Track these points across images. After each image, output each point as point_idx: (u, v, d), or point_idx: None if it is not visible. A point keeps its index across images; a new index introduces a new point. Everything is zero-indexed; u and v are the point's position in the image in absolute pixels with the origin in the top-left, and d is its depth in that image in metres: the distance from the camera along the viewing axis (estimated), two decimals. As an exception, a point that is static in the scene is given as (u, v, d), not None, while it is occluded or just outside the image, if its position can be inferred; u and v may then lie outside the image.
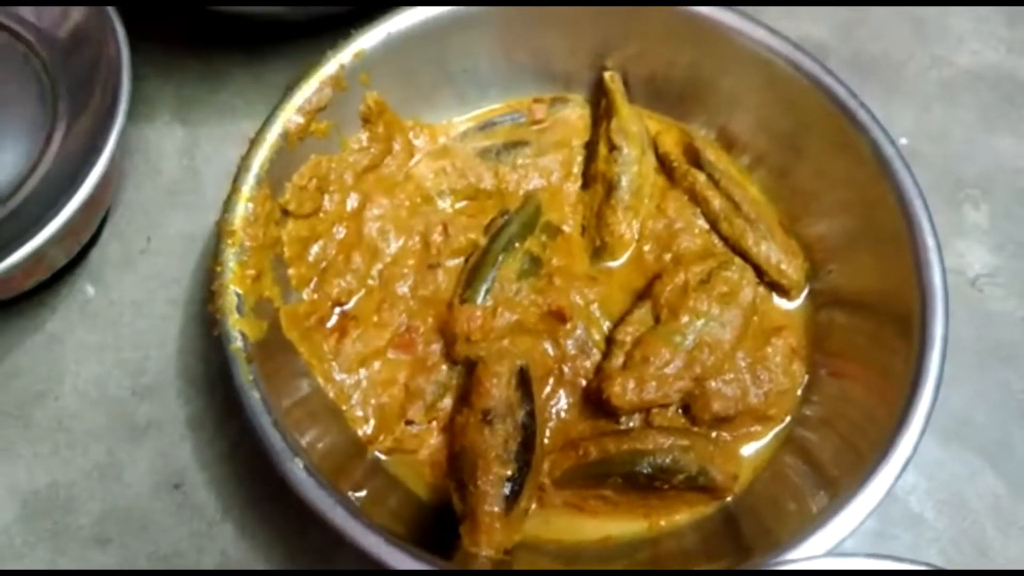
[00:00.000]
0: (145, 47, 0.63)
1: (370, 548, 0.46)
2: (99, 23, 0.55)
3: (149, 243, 0.65)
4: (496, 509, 0.51)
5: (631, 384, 0.55)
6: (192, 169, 0.67)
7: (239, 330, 0.51)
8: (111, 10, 0.55)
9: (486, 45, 0.64)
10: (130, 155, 0.67)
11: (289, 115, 0.57)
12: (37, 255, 0.52)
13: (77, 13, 0.56)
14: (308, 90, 0.58)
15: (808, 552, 0.47)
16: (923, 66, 0.74)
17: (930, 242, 0.54)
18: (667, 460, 0.53)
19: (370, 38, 0.59)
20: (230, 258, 0.52)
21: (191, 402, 0.60)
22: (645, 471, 0.53)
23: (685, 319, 0.57)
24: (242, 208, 0.54)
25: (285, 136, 0.56)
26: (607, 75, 0.65)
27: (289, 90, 0.57)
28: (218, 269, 0.52)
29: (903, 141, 0.69)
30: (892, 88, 0.73)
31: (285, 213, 0.57)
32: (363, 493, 0.52)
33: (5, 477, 0.58)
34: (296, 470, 0.47)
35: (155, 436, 0.59)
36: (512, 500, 0.51)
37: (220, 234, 0.53)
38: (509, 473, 0.52)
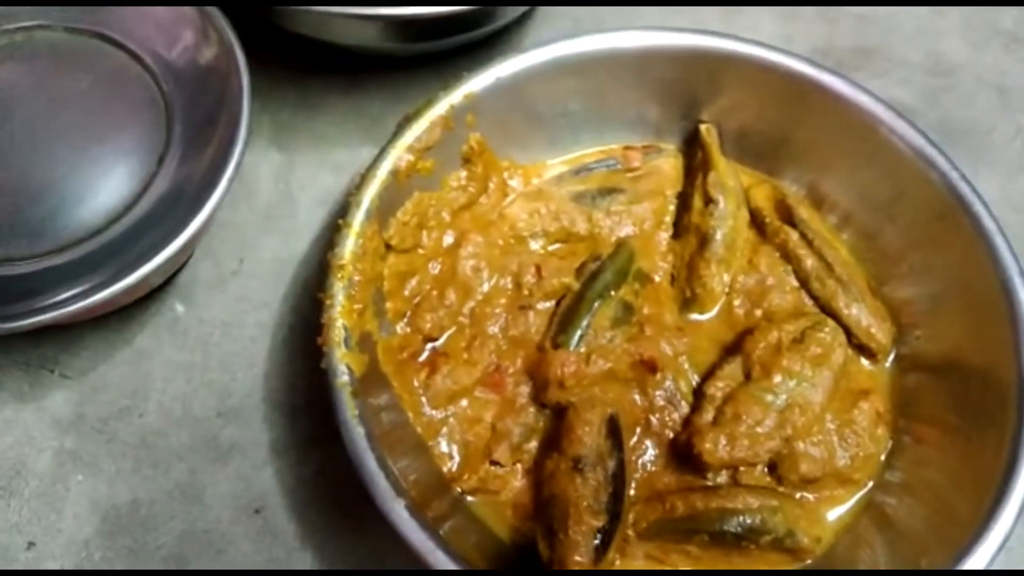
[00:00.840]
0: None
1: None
2: (226, 60, 0.55)
3: (241, 265, 0.65)
4: (586, 560, 0.51)
5: (723, 441, 0.55)
6: (287, 194, 0.68)
7: (346, 364, 0.51)
8: (238, 48, 0.56)
9: (581, 91, 0.65)
10: (224, 176, 0.68)
11: (400, 152, 0.57)
12: (143, 280, 0.53)
13: (207, 50, 0.56)
14: (419, 128, 0.58)
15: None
16: (1008, 136, 0.75)
17: (1030, 318, 0.54)
18: (756, 520, 0.53)
19: (480, 80, 0.60)
20: (339, 291, 0.53)
21: (275, 427, 0.60)
22: (734, 530, 0.53)
23: (778, 379, 0.57)
24: (352, 243, 0.54)
25: (395, 173, 0.57)
26: (703, 128, 0.65)
27: (400, 128, 0.58)
28: (328, 302, 0.52)
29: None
30: (977, 157, 0.73)
31: (387, 248, 0.58)
32: (445, 529, 0.52)
33: (87, 491, 0.58)
34: (399, 510, 0.47)
35: (238, 459, 0.59)
36: (601, 551, 0.51)
37: (330, 267, 0.53)
38: (599, 524, 0.51)
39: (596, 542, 0.51)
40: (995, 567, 0.57)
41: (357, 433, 0.49)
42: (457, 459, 0.57)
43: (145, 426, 0.60)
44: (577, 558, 0.51)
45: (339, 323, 0.52)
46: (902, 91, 0.75)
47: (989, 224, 0.57)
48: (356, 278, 0.53)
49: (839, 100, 0.61)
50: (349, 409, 0.50)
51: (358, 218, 0.55)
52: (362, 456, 0.48)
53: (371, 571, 0.56)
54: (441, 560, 0.46)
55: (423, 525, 0.47)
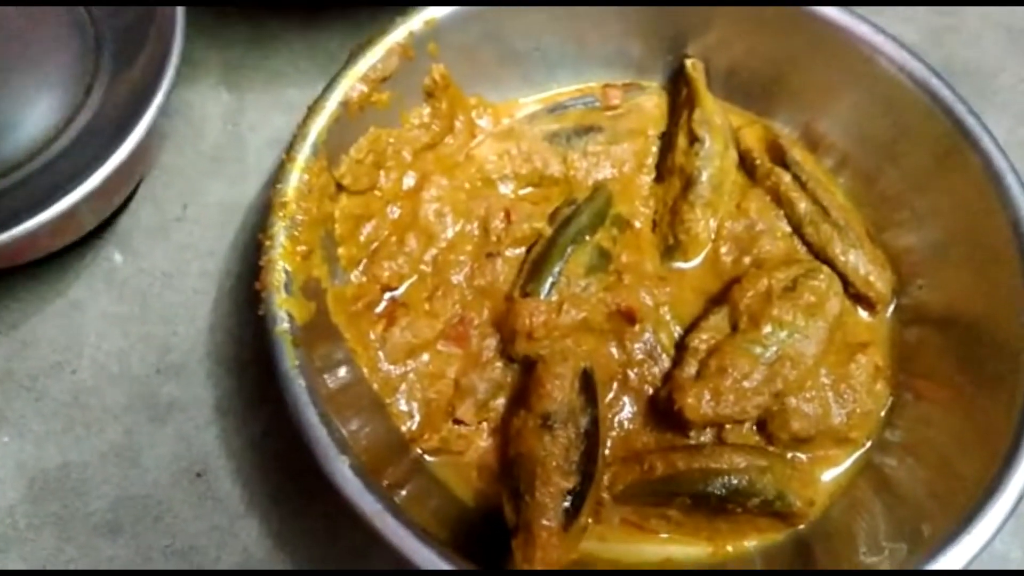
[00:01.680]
0: (194, 7, 0.59)
1: (422, 563, 0.41)
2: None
3: (185, 211, 0.60)
4: (554, 524, 0.46)
5: (707, 396, 0.50)
6: (236, 136, 0.63)
7: (286, 311, 0.46)
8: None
9: (556, 24, 0.60)
10: (171, 117, 0.63)
11: (352, 82, 0.52)
12: (67, 215, 0.48)
13: None
14: (373, 57, 0.53)
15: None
16: (1017, 77, 0.70)
17: (1043, 263, 0.49)
18: (743, 482, 0.49)
19: (442, 7, 0.55)
20: (280, 232, 0.48)
21: (219, 384, 0.56)
22: (718, 492, 0.49)
23: (767, 329, 0.52)
24: (296, 178, 0.49)
25: (345, 105, 0.52)
26: (689, 63, 0.60)
27: (353, 56, 0.53)
28: (267, 243, 0.47)
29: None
30: (984, 99, 0.68)
31: (340, 188, 0.53)
32: (403, 492, 0.47)
33: (13, 453, 0.54)
34: (343, 469, 0.43)
35: (178, 419, 0.55)
36: (572, 515, 0.47)
37: (271, 205, 0.48)
38: (570, 485, 0.47)
39: (566, 505, 0.47)
40: (1009, 533, 0.54)
41: (298, 386, 0.44)
42: (417, 418, 0.53)
43: (78, 383, 0.55)
44: (544, 522, 0.46)
45: (279, 266, 0.47)
46: (905, 29, 0.69)
47: (1000, 162, 0.52)
48: (300, 217, 0.48)
49: (837, 31, 0.56)
50: (289, 360, 0.45)
51: (303, 152, 0.50)
52: (303, 411, 0.44)
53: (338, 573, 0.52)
54: (390, 525, 0.42)
55: (370, 486, 0.43)
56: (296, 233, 0.48)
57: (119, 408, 0.55)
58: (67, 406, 0.55)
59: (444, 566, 0.42)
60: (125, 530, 0.52)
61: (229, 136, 0.63)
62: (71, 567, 0.51)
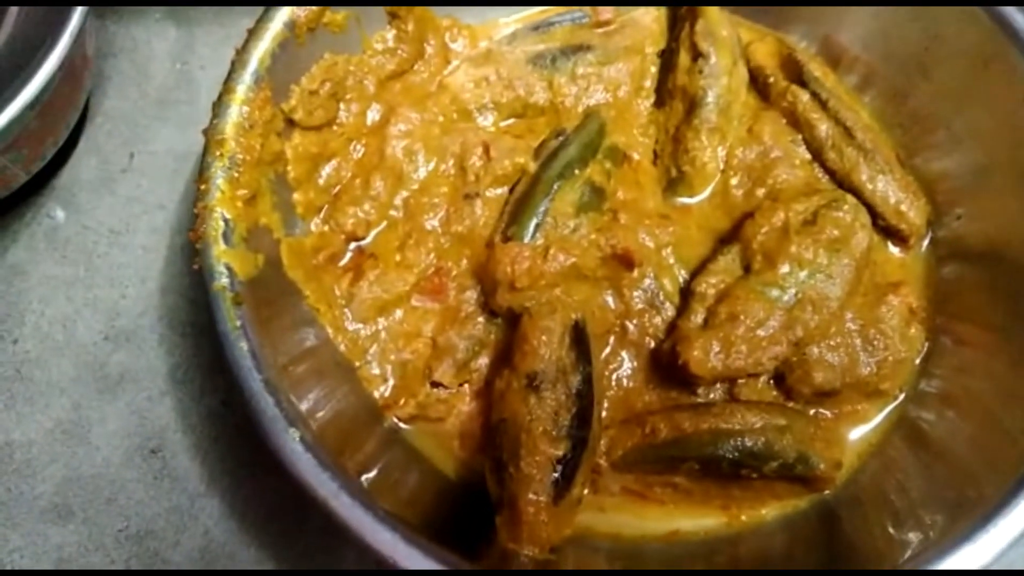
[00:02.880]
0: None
1: (381, 546, 0.36)
2: None
3: (132, 161, 0.55)
4: (542, 498, 0.41)
5: (715, 347, 0.45)
6: (186, 75, 0.57)
7: (225, 264, 0.41)
8: None
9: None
10: (114, 56, 0.57)
11: (297, -1, 0.46)
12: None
13: None
14: (323, -30, 0.46)
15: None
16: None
17: (1106, 181, 0.43)
18: (758, 443, 0.44)
19: (401, -91, 0.48)
20: (218, 174, 0.42)
21: (174, 351, 0.51)
22: (730, 456, 0.44)
23: (785, 269, 0.46)
24: (235, 112, 0.43)
25: (292, 26, 0.46)
26: (690, -32, 0.53)
27: (299, -31, 0.46)
28: (202, 187, 0.42)
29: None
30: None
31: (290, 123, 0.47)
32: (376, 470, 0.43)
33: (-48, 433, 0.49)
34: (291, 444, 0.38)
35: (130, 390, 0.50)
36: (563, 486, 0.42)
37: (207, 144, 0.43)
38: (560, 453, 0.42)
39: (555, 475, 0.42)
40: None
41: (238, 349, 0.39)
42: (391, 382, 0.48)
43: (20, 354, 0.51)
44: (531, 496, 0.41)
45: (218, 213, 0.41)
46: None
47: (1053, 65, 0.45)
48: (240, 156, 0.42)
49: (858, -79, 0.49)
50: (228, 320, 0.39)
51: (243, 82, 0.44)
52: (244, 378, 0.38)
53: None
54: (345, 504, 0.36)
55: (324, 463, 0.37)
56: (236, 175, 0.42)
57: (65, 380, 0.50)
58: (8, 380, 0.50)
59: (410, 551, 0.36)
60: (75, 514, 0.48)
61: (178, 76, 0.57)
62: (16, 557, 0.46)
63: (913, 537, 0.41)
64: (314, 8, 0.46)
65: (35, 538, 0.47)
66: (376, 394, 0.47)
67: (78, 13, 0.42)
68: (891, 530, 0.43)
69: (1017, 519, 0.38)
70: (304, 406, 0.40)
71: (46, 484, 0.48)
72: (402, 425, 0.47)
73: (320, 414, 0.42)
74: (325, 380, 0.45)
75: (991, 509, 0.38)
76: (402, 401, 0.47)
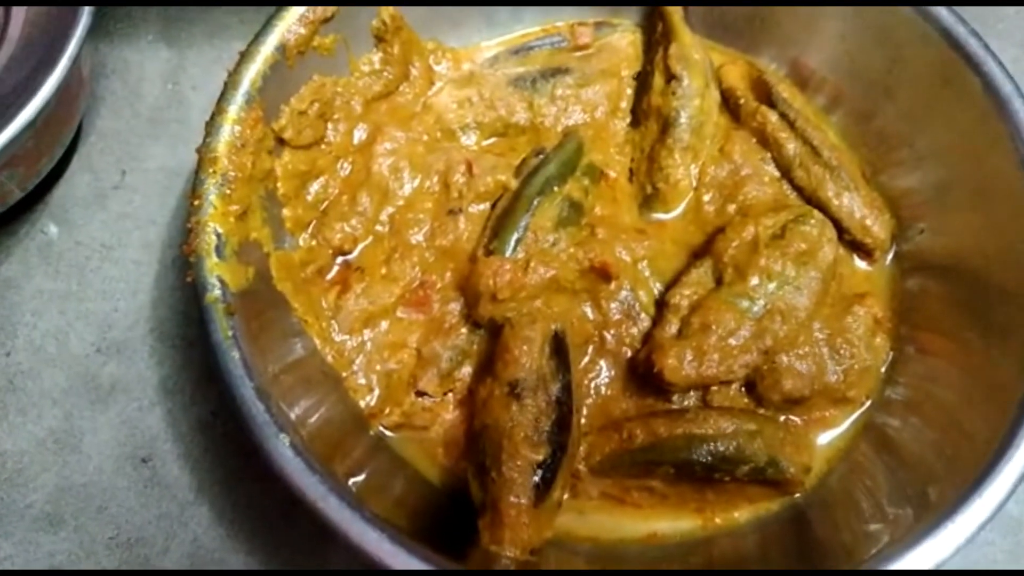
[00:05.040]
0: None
1: (369, 547, 0.37)
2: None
3: (124, 178, 0.56)
4: (523, 501, 0.42)
5: (688, 356, 0.46)
6: (177, 95, 0.59)
7: (217, 276, 0.42)
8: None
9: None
10: (107, 77, 0.59)
11: (288, 24, 0.48)
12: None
13: None
14: (312, -4, 0.48)
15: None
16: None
17: (1058, 196, 0.45)
18: (730, 447, 0.45)
19: (389, -59, 0.50)
20: (210, 190, 0.44)
21: (165, 362, 0.52)
22: (703, 460, 0.45)
23: (754, 281, 0.48)
24: (227, 132, 0.45)
25: (282, 49, 0.48)
26: (664, -5, 0.55)
27: (290, -4, 0.48)
28: (195, 203, 0.43)
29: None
30: (986, 27, 0.61)
31: (280, 142, 0.49)
32: (363, 476, 0.44)
33: (-55, 444, 0.50)
34: (282, 448, 0.39)
35: (121, 401, 0.51)
36: (543, 490, 0.43)
37: (200, 161, 0.44)
38: (540, 457, 0.43)
39: (536, 480, 0.43)
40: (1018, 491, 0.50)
41: (231, 358, 0.40)
42: (377, 391, 0.49)
43: (13, 366, 0.52)
44: (512, 499, 0.42)
45: (210, 227, 0.43)
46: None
47: (1005, 86, 0.48)
48: (232, 174, 0.44)
49: (822, -48, 0.51)
50: (221, 330, 0.41)
51: (235, 102, 0.45)
52: (237, 385, 0.40)
53: None
54: (333, 506, 0.38)
55: (313, 467, 0.39)
56: (228, 191, 0.44)
57: (58, 391, 0.51)
58: (1, 391, 0.51)
59: (395, 550, 0.37)
60: (66, 522, 0.49)
61: (170, 96, 0.58)
62: (7, 564, 0.47)
63: (879, 535, 0.43)
64: (303, 32, 0.48)
65: (27, 546, 0.48)
66: (362, 403, 0.48)
67: (75, 39, 0.43)
68: (858, 529, 0.44)
69: (976, 514, 0.39)
70: (293, 414, 0.42)
71: (38, 493, 0.49)
72: (388, 433, 0.48)
73: (309, 422, 0.43)
74: (313, 390, 0.46)
75: (952, 506, 0.40)
76: (388, 410, 0.48)
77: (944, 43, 0.49)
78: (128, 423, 0.50)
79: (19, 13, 0.47)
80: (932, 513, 0.40)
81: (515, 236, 0.49)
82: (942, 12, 0.49)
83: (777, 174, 0.53)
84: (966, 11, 0.62)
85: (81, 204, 0.55)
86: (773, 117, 0.53)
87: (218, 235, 0.43)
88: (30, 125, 0.43)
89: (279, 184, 0.48)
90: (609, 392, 0.49)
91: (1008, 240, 0.47)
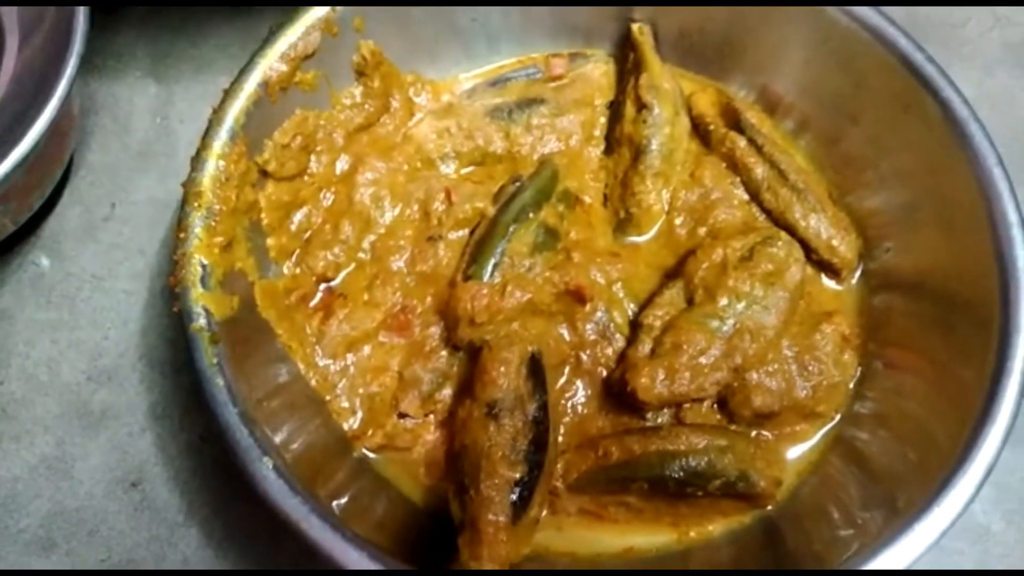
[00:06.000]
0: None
1: (349, 565, 0.38)
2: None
3: (113, 210, 0.58)
4: (501, 518, 0.43)
5: (660, 375, 0.48)
6: (165, 129, 0.60)
7: (203, 306, 0.44)
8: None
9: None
10: (96, 113, 0.60)
11: (271, 62, 0.50)
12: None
13: None
14: (293, 35, 0.51)
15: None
16: (985, 27, 0.67)
17: (1012, 216, 0.47)
18: (702, 463, 0.47)
19: (368, -20, 0.52)
20: (196, 223, 0.45)
21: (154, 389, 0.53)
22: (676, 475, 0.46)
23: (723, 301, 0.49)
24: (212, 166, 0.47)
25: (265, 86, 0.49)
26: (635, 27, 0.58)
27: (272, 34, 0.50)
28: (181, 235, 0.45)
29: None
30: (951, 51, 0.65)
31: (264, 175, 0.50)
32: (346, 498, 0.45)
33: (-60, 471, 0.51)
34: (265, 472, 0.40)
35: (112, 427, 0.53)
36: (520, 507, 0.44)
37: (186, 195, 0.46)
38: (517, 476, 0.44)
39: (513, 497, 0.44)
40: (990, 503, 0.51)
41: (215, 385, 0.42)
42: (360, 414, 0.50)
43: (6, 394, 0.53)
44: (490, 516, 0.43)
45: (196, 259, 0.44)
46: (864, -19, 0.67)
47: (961, 110, 0.49)
48: (217, 207, 0.46)
49: (784, -17, 0.53)
50: (206, 358, 0.42)
51: (220, 138, 0.47)
52: (221, 411, 0.41)
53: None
54: (315, 526, 0.39)
55: (295, 489, 0.40)
56: (213, 223, 0.45)
57: (50, 418, 0.53)
58: (-6, 419, 0.52)
59: (376, 567, 0.39)
60: (59, 546, 0.50)
61: (158, 130, 0.60)
62: (1, 588, 0.48)
63: (849, 542, 0.44)
64: (285, 69, 0.49)
65: (20, 569, 0.49)
66: (346, 426, 0.49)
67: (66, 78, 0.45)
68: (829, 538, 0.46)
69: (941, 517, 0.41)
70: (278, 438, 0.43)
71: (31, 518, 0.50)
72: (371, 455, 0.50)
73: (293, 446, 0.44)
74: (297, 413, 0.48)
75: (918, 511, 0.41)
76: (370, 432, 0.49)
77: (904, 69, 0.51)
78: (118, 448, 0.52)
79: (11, 52, 0.49)
80: (900, 517, 0.42)
81: (493, 261, 0.51)
82: (901, 39, 0.51)
83: (746, 197, 0.55)
84: (933, 34, 0.65)
85: (72, 236, 0.57)
86: (742, 142, 0.55)
87: (203, 266, 0.44)
88: (22, 163, 0.44)
89: (263, 215, 0.50)
90: (585, 411, 0.50)
91: (967, 258, 0.48)
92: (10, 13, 0.50)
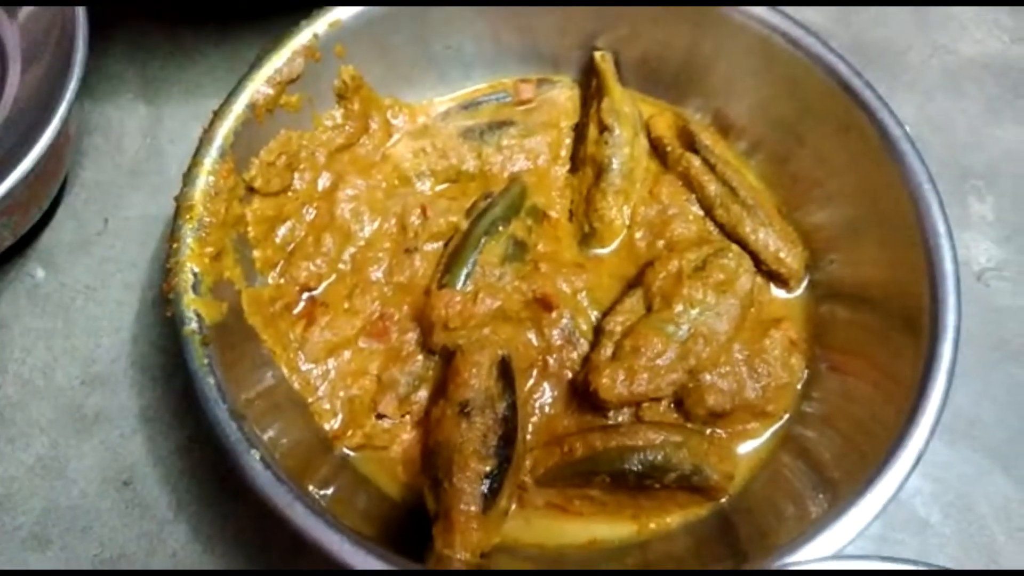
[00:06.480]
0: (111, 22, 0.60)
1: (331, 548, 0.41)
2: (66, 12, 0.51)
3: (106, 225, 0.61)
4: (472, 508, 0.46)
5: (620, 376, 0.51)
6: (155, 148, 0.64)
7: (194, 310, 0.47)
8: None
9: (470, 22, 0.61)
10: (90, 133, 0.63)
11: (258, 85, 0.53)
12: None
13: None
14: (279, 60, 0.54)
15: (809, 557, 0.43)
16: (925, 54, 0.72)
17: (940, 228, 0.51)
18: (658, 457, 0.50)
19: (347, 8, 0.56)
20: (187, 234, 0.48)
21: (144, 393, 0.56)
22: (634, 469, 0.50)
23: (679, 308, 0.53)
24: (203, 182, 0.50)
25: (252, 108, 0.53)
26: (598, 55, 0.61)
27: (259, 59, 0.54)
28: (174, 245, 0.48)
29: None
30: (893, 76, 0.70)
31: (251, 191, 0.54)
32: (330, 491, 0.48)
33: (-61, 472, 0.54)
34: (253, 463, 0.43)
35: (104, 428, 0.55)
36: (490, 498, 0.47)
37: (178, 209, 0.49)
38: (487, 469, 0.47)
39: (484, 489, 0.47)
40: (929, 497, 0.55)
41: (207, 384, 0.45)
42: (340, 416, 0.53)
43: (3, 398, 0.56)
44: (462, 507, 0.46)
45: (187, 267, 0.47)
46: (813, 11, 0.71)
47: (895, 131, 0.53)
48: (207, 220, 0.49)
49: (734, 13, 0.57)
50: (197, 358, 0.45)
51: (209, 156, 0.50)
52: (212, 408, 0.44)
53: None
54: (299, 513, 0.42)
55: (281, 478, 0.43)
56: (204, 235, 0.49)
57: (45, 421, 0.55)
58: (-8, 422, 0.55)
59: (357, 553, 0.42)
60: (53, 542, 0.52)
61: (149, 149, 0.63)
62: (-2, 582, 0.51)
63: (796, 530, 0.48)
64: (271, 92, 0.53)
65: (16, 565, 0.51)
66: (327, 426, 0.52)
67: (66, 101, 0.48)
68: (780, 528, 0.49)
69: (876, 497, 0.44)
70: (265, 436, 0.46)
71: (27, 516, 0.53)
72: (351, 453, 0.52)
73: (279, 444, 0.47)
74: (282, 414, 0.51)
75: (857, 493, 0.45)
76: (350, 432, 0.52)
77: (844, 94, 0.55)
78: (111, 449, 0.54)
79: (14, 77, 0.52)
80: (842, 500, 0.45)
81: (465, 271, 0.54)
82: (840, 66, 0.55)
83: (701, 213, 0.59)
84: (877, 60, 0.70)
85: (66, 249, 0.60)
86: (696, 162, 0.59)
87: (195, 274, 0.48)
88: (25, 178, 0.47)
89: (250, 228, 0.53)
90: (552, 411, 0.53)
91: (902, 269, 0.52)
92: (13, 40, 0.53)
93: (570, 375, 0.54)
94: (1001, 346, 0.60)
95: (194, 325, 0.46)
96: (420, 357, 0.54)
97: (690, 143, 0.60)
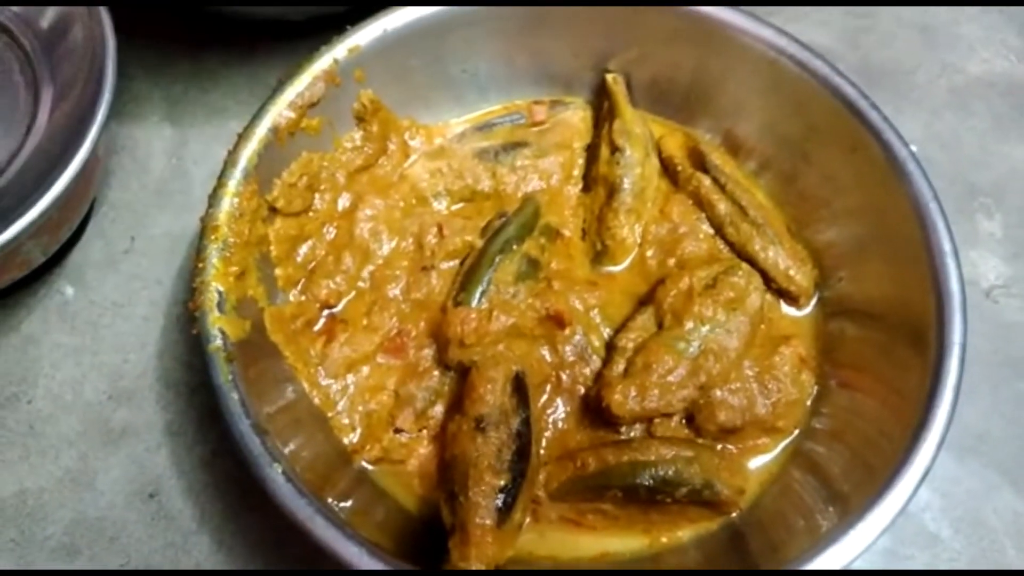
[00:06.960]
0: (137, 46, 0.62)
1: (350, 559, 0.43)
2: (86, 11, 0.53)
3: (133, 243, 0.63)
4: (488, 521, 0.47)
5: (632, 392, 0.52)
6: (180, 169, 0.65)
7: (219, 328, 0.48)
8: (107, 22, 0.54)
9: (486, 46, 0.62)
10: (117, 154, 0.65)
11: (280, 109, 0.55)
12: (11, 248, 0.50)
13: (78, 23, 0.54)
14: (300, 85, 0.56)
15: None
16: (933, 74, 0.73)
17: (946, 246, 0.52)
18: (670, 472, 0.51)
19: (366, 34, 0.57)
20: (213, 254, 0.50)
21: (170, 407, 0.58)
22: (646, 483, 0.51)
23: (689, 325, 0.54)
24: (227, 203, 0.52)
25: (275, 131, 0.54)
26: (609, 77, 0.63)
27: (280, 84, 0.56)
28: (200, 265, 0.50)
29: (913, 149, 0.67)
30: (901, 96, 0.71)
31: (273, 211, 0.55)
32: (349, 503, 0.49)
33: (-29, 484, 0.55)
34: (275, 476, 0.45)
35: (131, 442, 0.57)
36: (505, 512, 0.48)
37: (203, 229, 0.51)
38: (502, 483, 0.48)
39: (499, 503, 0.48)
40: (938, 512, 0.55)
41: (231, 399, 0.46)
42: (359, 430, 0.55)
43: (33, 413, 0.57)
44: (477, 520, 0.47)
45: (212, 286, 0.49)
46: (821, 33, 0.73)
47: (900, 151, 0.54)
48: (232, 240, 0.51)
49: (742, 35, 0.59)
50: (222, 374, 0.47)
51: (234, 178, 0.52)
52: (235, 422, 0.46)
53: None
54: (319, 525, 0.43)
55: (302, 491, 0.44)
56: (228, 255, 0.50)
57: (73, 434, 0.57)
58: (23, 435, 0.57)
59: (375, 564, 0.43)
60: (82, 552, 0.54)
61: (174, 170, 0.65)
62: (28, 591, 0.52)
63: (802, 545, 0.48)
64: (293, 116, 0.55)
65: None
66: (346, 440, 0.54)
67: (96, 124, 0.50)
68: (790, 542, 0.49)
69: (885, 511, 0.45)
70: (286, 450, 0.47)
71: (56, 526, 0.54)
72: (369, 467, 0.54)
73: (300, 457, 0.49)
74: (302, 428, 0.52)
75: (865, 507, 0.45)
76: (369, 446, 0.53)
77: (850, 115, 0.56)
78: (137, 462, 0.56)
79: (46, 104, 0.54)
80: (852, 513, 0.46)
81: (480, 289, 0.56)
82: (846, 87, 0.56)
83: (711, 231, 0.60)
84: (885, 80, 0.71)
85: (95, 267, 0.62)
86: (707, 182, 0.60)
87: (219, 293, 0.49)
88: (57, 200, 0.49)
89: (272, 247, 0.55)
90: (565, 426, 0.54)
91: (909, 286, 0.53)
92: (45, 70, 0.55)
93: (583, 391, 0.55)
94: (1010, 362, 0.61)
95: (219, 342, 0.48)
96: (436, 373, 0.55)
97: (700, 163, 0.61)
